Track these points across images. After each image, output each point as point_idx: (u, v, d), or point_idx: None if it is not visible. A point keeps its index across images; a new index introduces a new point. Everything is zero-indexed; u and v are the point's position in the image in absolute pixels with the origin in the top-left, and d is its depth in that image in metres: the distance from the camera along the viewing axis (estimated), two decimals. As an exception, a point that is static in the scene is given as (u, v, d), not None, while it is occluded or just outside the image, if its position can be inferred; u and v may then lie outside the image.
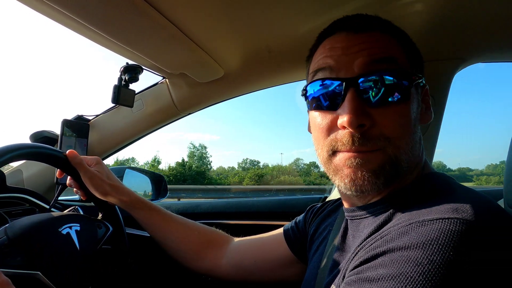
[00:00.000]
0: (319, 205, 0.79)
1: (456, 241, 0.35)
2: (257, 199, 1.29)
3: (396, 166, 0.47)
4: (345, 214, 0.59)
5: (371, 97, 0.47)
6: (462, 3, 0.71)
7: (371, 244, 0.43)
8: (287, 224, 0.82)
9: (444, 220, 0.38)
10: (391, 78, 0.47)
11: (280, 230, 0.82)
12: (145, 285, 1.21)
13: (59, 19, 0.71)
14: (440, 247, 0.35)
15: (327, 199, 1.21)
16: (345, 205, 0.58)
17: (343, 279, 0.46)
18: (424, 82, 0.53)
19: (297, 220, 0.81)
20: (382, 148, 0.47)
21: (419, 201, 0.45)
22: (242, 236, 1.18)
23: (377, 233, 0.45)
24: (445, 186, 0.47)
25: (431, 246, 0.36)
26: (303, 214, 0.81)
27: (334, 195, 1.20)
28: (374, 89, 0.47)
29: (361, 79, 0.47)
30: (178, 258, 0.88)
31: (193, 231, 0.88)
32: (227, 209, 1.24)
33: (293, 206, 1.21)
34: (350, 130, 0.46)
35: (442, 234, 0.36)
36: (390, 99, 0.47)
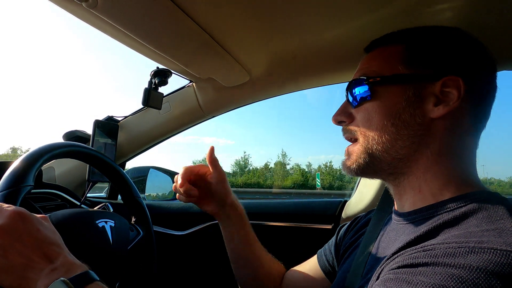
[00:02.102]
0: (348, 223, 0.79)
1: (506, 273, 0.35)
2: (277, 201, 1.31)
3: (371, 155, 0.56)
4: (392, 215, 0.61)
5: (350, 100, 0.60)
6: (490, 11, 0.71)
7: (411, 254, 0.43)
8: (320, 250, 0.82)
9: (496, 251, 0.37)
10: (355, 86, 0.59)
11: (315, 261, 0.82)
12: (166, 283, 1.26)
13: (103, 28, 0.76)
14: (488, 274, 0.36)
15: (347, 203, 1.23)
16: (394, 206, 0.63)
17: (376, 280, 0.47)
18: (424, 79, 0.54)
19: (329, 245, 0.81)
20: (357, 138, 0.58)
21: (466, 222, 0.45)
22: (263, 236, 1.21)
23: (418, 245, 0.45)
24: (497, 210, 0.46)
25: (478, 271, 0.36)
26: (333, 238, 0.80)
27: (354, 199, 1.22)
28: (350, 95, 0.60)
29: (347, 90, 0.61)
30: (243, 281, 0.86)
31: (269, 261, 0.86)
32: (248, 210, 1.27)
33: (313, 208, 1.23)
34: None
35: (492, 264, 0.36)
36: (359, 101, 0.59)
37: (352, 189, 1.30)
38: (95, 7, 0.64)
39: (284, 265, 0.88)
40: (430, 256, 0.40)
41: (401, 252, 0.46)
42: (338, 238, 0.79)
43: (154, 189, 1.63)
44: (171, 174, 1.54)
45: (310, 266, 0.83)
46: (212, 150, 0.77)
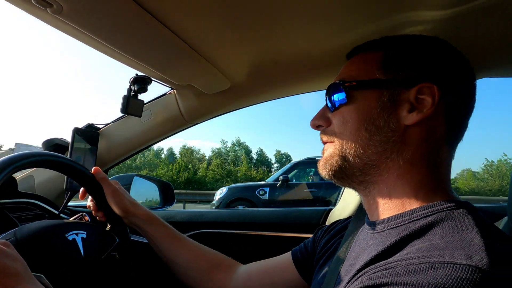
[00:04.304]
0: (327, 226, 0.79)
1: None
2: (262, 209, 1.29)
3: (343, 158, 0.57)
4: (365, 224, 0.61)
5: (328, 105, 0.61)
6: (471, 21, 0.70)
7: (374, 273, 0.43)
8: (296, 247, 0.81)
9: (455, 265, 0.37)
10: (333, 91, 0.60)
11: (289, 253, 0.81)
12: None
13: (73, 33, 0.74)
14: None
15: (331, 212, 1.21)
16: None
17: None
18: (400, 85, 0.55)
19: (305, 242, 0.80)
20: (333, 141, 0.59)
21: (432, 232, 0.45)
22: (246, 246, 1.19)
23: (382, 262, 0.44)
24: (463, 220, 0.45)
25: None
26: (311, 236, 0.80)
27: (339, 207, 1.20)
28: (328, 100, 0.61)
29: (326, 95, 0.62)
30: (186, 278, 0.87)
31: (204, 252, 0.89)
32: (231, 219, 1.25)
33: (297, 217, 1.21)
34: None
35: (451, 279, 0.35)
36: (336, 105, 0.59)
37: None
38: (61, 13, 0.62)
39: None
40: (392, 275, 0.40)
41: (365, 270, 0.45)
42: (315, 239, 0.78)
43: (139, 197, 1.60)
44: (157, 182, 1.51)
45: (280, 256, 0.83)
46: (96, 170, 0.86)
